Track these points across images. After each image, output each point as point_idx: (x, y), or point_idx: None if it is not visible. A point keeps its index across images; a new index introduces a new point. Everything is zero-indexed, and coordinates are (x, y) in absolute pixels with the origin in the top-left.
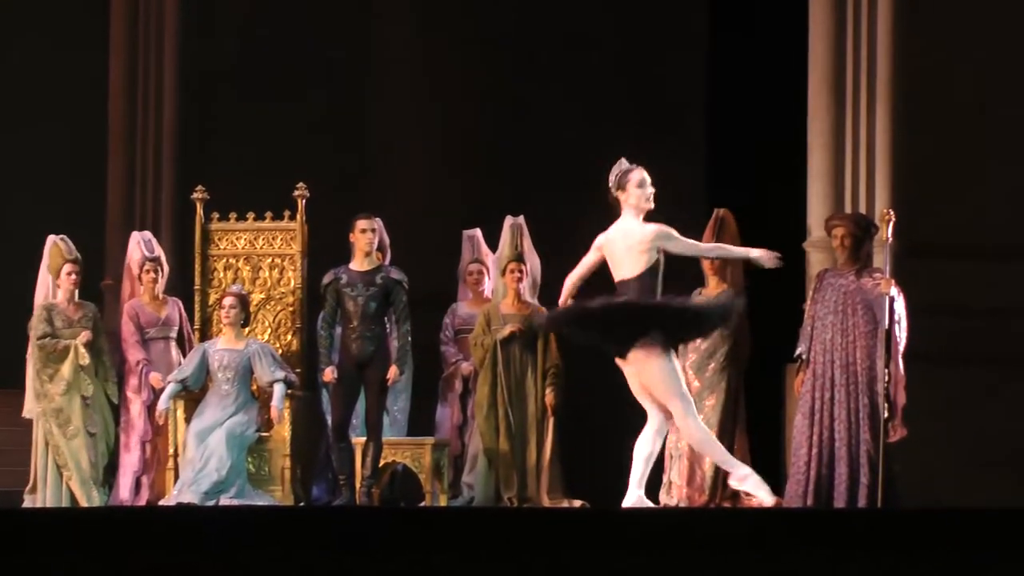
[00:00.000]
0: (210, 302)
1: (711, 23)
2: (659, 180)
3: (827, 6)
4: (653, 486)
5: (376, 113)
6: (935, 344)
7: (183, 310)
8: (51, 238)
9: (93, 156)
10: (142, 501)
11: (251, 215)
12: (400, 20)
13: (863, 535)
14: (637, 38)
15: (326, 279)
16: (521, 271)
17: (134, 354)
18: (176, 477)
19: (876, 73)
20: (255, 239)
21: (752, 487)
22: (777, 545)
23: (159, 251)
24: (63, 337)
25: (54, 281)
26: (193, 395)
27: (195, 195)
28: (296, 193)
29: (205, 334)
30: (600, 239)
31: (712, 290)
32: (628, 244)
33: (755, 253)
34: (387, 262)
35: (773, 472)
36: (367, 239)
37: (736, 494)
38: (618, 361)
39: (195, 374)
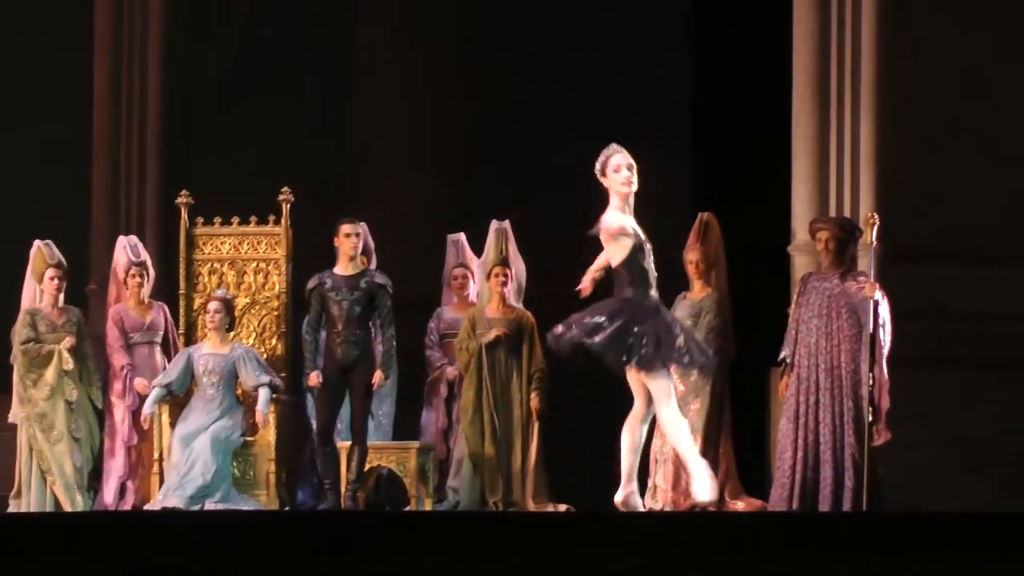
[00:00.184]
0: (195, 306)
1: (695, 28)
2: (644, 184)
3: (811, 11)
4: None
5: (361, 117)
6: (919, 348)
7: (168, 315)
8: (36, 243)
9: (78, 160)
10: (127, 506)
11: (236, 219)
12: (384, 22)
13: (849, 539)
14: (619, 42)
15: (311, 283)
16: (506, 275)
17: (118, 359)
18: (161, 482)
19: (860, 77)
20: (240, 243)
21: (695, 483)
22: (762, 549)
23: (145, 255)
24: (47, 342)
25: (38, 286)
26: (178, 400)
27: (180, 199)
28: (281, 198)
29: (190, 339)
30: None
31: (696, 294)
32: (604, 233)
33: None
34: (372, 266)
35: (758, 476)
36: (351, 243)
37: (721, 498)
38: None
39: (180, 378)
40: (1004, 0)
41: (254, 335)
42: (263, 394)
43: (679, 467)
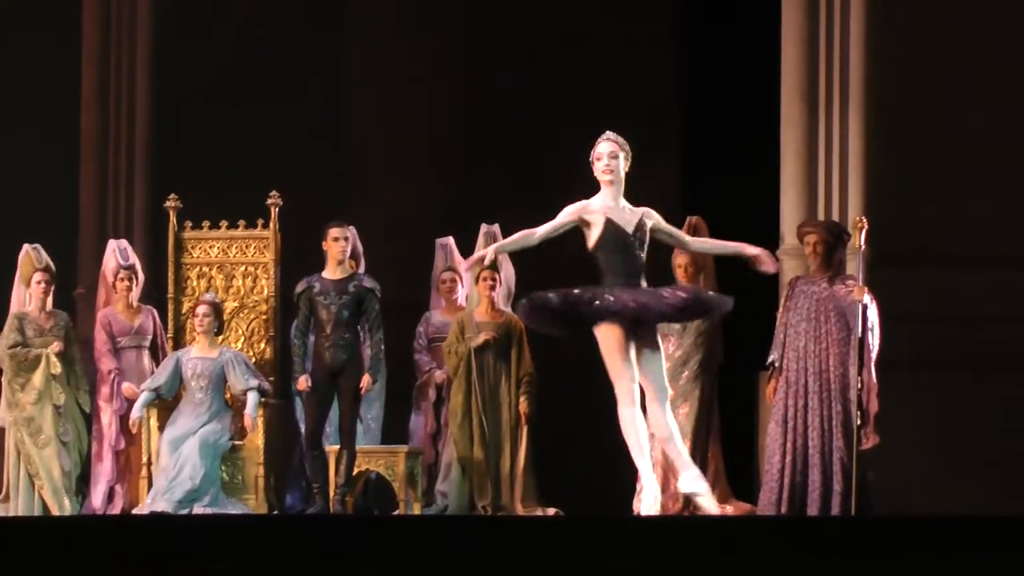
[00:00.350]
0: (183, 310)
1: (682, 30)
2: (632, 187)
3: (799, 14)
4: (628, 493)
5: (351, 120)
6: (908, 352)
7: (157, 319)
8: (24, 247)
9: (67, 163)
10: (115, 510)
11: (224, 223)
12: (382, 22)
13: (838, 542)
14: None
15: (299, 287)
16: (495, 279)
17: (106, 363)
18: (150, 486)
19: (849, 81)
20: (228, 247)
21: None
22: (751, 553)
23: (134, 259)
24: (34, 346)
25: (26, 290)
26: (166, 403)
27: (168, 203)
28: (269, 201)
29: (178, 342)
30: None
31: None
32: None
33: (752, 250)
34: (360, 270)
35: (746, 480)
36: (340, 247)
37: None
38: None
39: (169, 382)
40: (993, 3)
41: (242, 339)
42: (251, 398)
43: (668, 471)
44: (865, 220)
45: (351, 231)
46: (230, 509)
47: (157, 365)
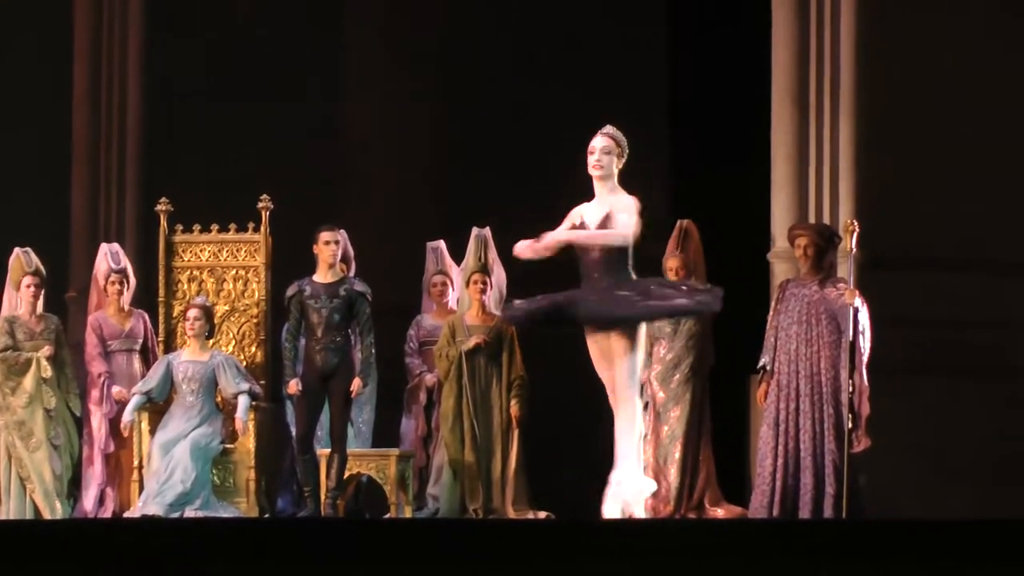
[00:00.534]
0: (174, 314)
1: (672, 32)
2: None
3: (790, 17)
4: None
5: (343, 124)
6: (899, 355)
7: (148, 322)
8: (15, 250)
9: (58, 166)
10: (107, 513)
11: (215, 227)
12: (378, 22)
13: (830, 545)
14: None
15: (290, 291)
16: (486, 282)
17: (96, 367)
18: (141, 489)
19: (839, 84)
20: (219, 251)
21: (609, 494)
22: (742, 555)
23: (126, 263)
24: (25, 349)
25: (16, 294)
26: (157, 407)
27: (159, 207)
28: (260, 205)
29: (169, 346)
30: None
31: None
32: None
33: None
34: (351, 274)
35: (738, 483)
36: (331, 251)
37: (701, 505)
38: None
39: (160, 386)
40: (984, 6)
41: (233, 342)
42: (243, 401)
43: (659, 474)
44: (856, 223)
45: (342, 234)
46: (221, 512)
47: (148, 369)
